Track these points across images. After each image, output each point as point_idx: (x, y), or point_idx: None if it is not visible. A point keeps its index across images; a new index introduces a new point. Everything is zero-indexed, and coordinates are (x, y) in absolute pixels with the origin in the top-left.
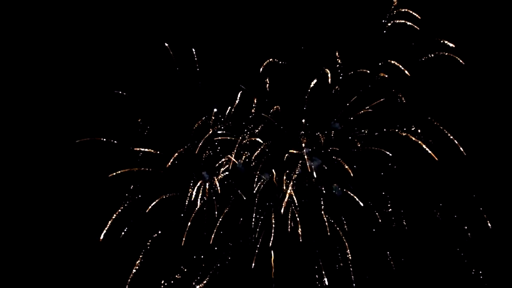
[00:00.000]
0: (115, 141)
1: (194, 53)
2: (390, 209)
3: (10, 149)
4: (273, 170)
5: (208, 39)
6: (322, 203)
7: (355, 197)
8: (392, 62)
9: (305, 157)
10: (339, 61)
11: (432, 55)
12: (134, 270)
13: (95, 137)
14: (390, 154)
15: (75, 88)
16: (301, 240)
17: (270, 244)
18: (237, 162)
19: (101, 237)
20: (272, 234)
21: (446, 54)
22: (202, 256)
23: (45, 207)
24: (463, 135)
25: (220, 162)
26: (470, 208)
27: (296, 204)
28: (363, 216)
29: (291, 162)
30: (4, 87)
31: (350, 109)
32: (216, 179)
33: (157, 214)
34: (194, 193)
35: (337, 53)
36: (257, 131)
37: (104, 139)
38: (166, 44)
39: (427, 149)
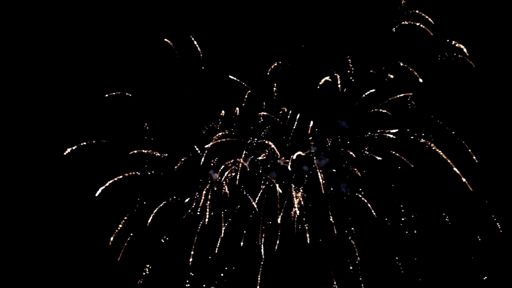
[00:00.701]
0: (126, 145)
1: (200, 54)
2: (403, 217)
3: (18, 152)
4: (280, 171)
5: (215, 40)
6: (329, 204)
7: (365, 200)
8: (401, 63)
9: (313, 156)
10: (350, 62)
11: (441, 56)
12: (143, 273)
13: (101, 140)
14: (402, 157)
15: (80, 91)
16: (308, 242)
17: (276, 248)
18: (247, 166)
19: (110, 242)
20: (278, 237)
21: (455, 55)
22: (209, 257)
23: (52, 211)
24: (474, 140)
25: (227, 163)
26: (480, 212)
27: (303, 205)
28: (372, 218)
29: (299, 163)
30: (12, 89)
31: (358, 109)
32: (225, 184)
33: (164, 218)
34: (202, 198)
35: (346, 55)
36: (263, 133)
37: (110, 142)
38: (170, 43)
39: (443, 155)
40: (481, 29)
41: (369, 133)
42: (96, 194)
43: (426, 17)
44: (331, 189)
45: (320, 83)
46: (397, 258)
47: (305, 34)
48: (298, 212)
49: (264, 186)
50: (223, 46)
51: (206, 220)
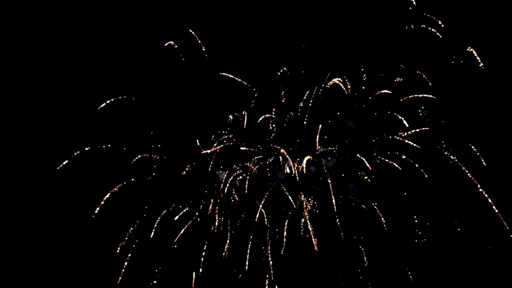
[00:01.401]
0: (132, 150)
1: (206, 55)
2: (413, 223)
3: (21, 158)
4: (288, 174)
5: (221, 43)
6: (337, 208)
7: (373, 204)
8: (405, 66)
9: (321, 158)
10: (357, 64)
11: (450, 60)
12: (150, 284)
13: (107, 145)
14: (410, 160)
15: (84, 95)
16: (316, 247)
17: (282, 252)
18: (254, 170)
19: (118, 250)
20: (284, 242)
21: (465, 58)
22: (216, 265)
23: (55, 217)
24: (483, 144)
25: (234, 167)
26: (490, 218)
27: (310, 208)
28: (380, 223)
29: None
30: (13, 94)
31: (366, 111)
32: (233, 190)
33: (171, 225)
34: (210, 204)
35: (354, 58)
36: (270, 136)
37: (116, 147)
38: (176, 46)
39: (455, 159)
40: (492, 32)
41: (377, 137)
42: (103, 200)
43: (437, 19)
44: (339, 193)
45: (327, 86)
46: (406, 263)
47: (312, 37)
48: (307, 216)
49: (271, 189)
50: (229, 50)
51: (216, 225)
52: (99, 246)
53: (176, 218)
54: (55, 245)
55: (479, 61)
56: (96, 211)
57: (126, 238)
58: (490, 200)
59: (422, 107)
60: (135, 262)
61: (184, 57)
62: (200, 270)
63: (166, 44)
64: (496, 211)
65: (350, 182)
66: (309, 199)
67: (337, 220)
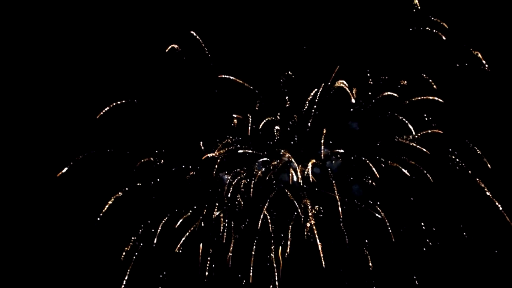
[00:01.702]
0: (135, 155)
1: (208, 54)
2: (419, 227)
3: (28, 162)
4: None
5: (225, 46)
6: (342, 212)
7: (379, 210)
8: (415, 69)
9: (325, 161)
10: (362, 67)
11: (455, 62)
12: None
13: (111, 150)
14: (414, 162)
15: (87, 98)
16: (321, 253)
17: (286, 254)
18: (259, 174)
19: (122, 256)
20: (289, 246)
21: (470, 61)
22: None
23: (58, 222)
24: (489, 148)
25: (238, 170)
26: (497, 222)
27: (315, 212)
28: (385, 226)
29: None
30: (13, 96)
31: (370, 113)
32: (238, 195)
33: (175, 230)
34: (215, 209)
35: (358, 60)
36: (274, 140)
37: (120, 152)
38: (178, 49)
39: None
40: (498, 35)
41: (382, 139)
42: (107, 205)
43: (441, 22)
44: (344, 196)
45: (332, 89)
46: (411, 268)
47: (316, 40)
48: (312, 220)
49: (275, 193)
50: (233, 52)
51: (220, 230)
52: (103, 252)
53: (179, 222)
54: (59, 251)
55: (485, 64)
56: (100, 216)
57: (130, 244)
58: (497, 203)
59: (427, 110)
60: (139, 267)
61: (187, 60)
62: (206, 274)
63: (169, 47)
64: (503, 213)
65: (354, 184)
66: (314, 202)
67: (342, 223)
